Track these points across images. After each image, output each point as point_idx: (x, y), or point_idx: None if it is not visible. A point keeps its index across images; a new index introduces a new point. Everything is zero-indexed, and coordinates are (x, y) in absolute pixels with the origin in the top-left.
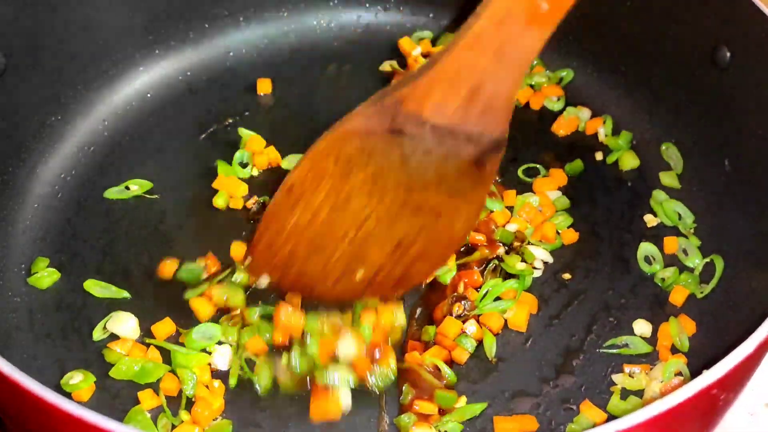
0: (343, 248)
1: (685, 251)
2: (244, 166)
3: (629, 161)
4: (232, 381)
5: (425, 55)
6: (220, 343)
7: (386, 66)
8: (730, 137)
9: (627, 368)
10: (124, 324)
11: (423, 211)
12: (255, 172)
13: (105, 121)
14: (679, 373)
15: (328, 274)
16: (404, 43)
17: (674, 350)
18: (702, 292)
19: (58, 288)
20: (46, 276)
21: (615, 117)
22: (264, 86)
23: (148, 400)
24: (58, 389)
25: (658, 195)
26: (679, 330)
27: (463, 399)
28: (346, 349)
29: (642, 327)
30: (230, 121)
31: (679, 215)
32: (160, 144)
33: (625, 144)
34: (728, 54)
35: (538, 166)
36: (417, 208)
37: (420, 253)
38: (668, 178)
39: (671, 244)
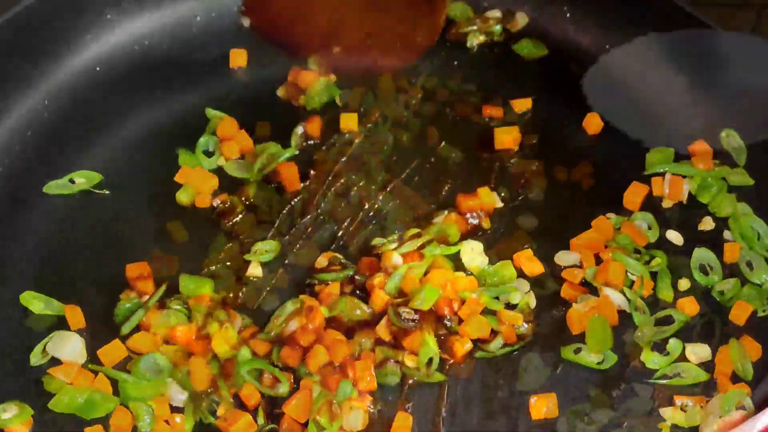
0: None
1: (749, 264)
2: (209, 155)
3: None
4: (188, 425)
5: (399, 90)
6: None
7: None
8: None
9: (678, 400)
10: (68, 346)
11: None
12: (222, 162)
13: (45, 100)
14: (742, 406)
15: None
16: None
17: (735, 378)
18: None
19: None
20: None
21: None
22: (238, 58)
23: None
24: None
25: (727, 204)
26: (742, 354)
27: None
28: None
29: (697, 351)
30: (196, 100)
31: (758, 234)
32: (112, 128)
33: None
34: None
35: None
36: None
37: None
38: (737, 176)
39: (732, 251)
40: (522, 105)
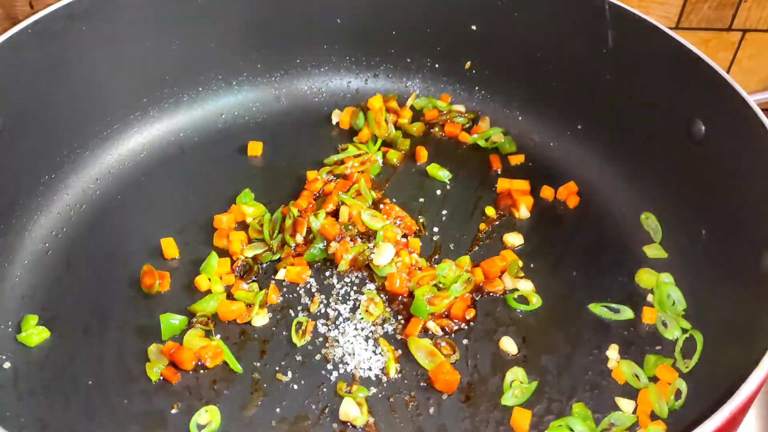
0: None
1: (664, 323)
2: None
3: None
4: None
5: (389, 110)
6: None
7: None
8: (705, 207)
9: None
10: None
11: None
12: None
13: (98, 179)
14: None
15: None
16: (373, 101)
17: (653, 416)
18: (687, 367)
19: (47, 345)
20: (35, 334)
21: (597, 186)
22: (254, 148)
23: None
24: None
25: (648, 276)
26: (658, 396)
27: None
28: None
29: (624, 404)
30: (218, 179)
31: (673, 301)
32: (151, 204)
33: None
34: (703, 128)
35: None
36: None
37: None
38: (653, 250)
39: (650, 314)
40: (517, 160)
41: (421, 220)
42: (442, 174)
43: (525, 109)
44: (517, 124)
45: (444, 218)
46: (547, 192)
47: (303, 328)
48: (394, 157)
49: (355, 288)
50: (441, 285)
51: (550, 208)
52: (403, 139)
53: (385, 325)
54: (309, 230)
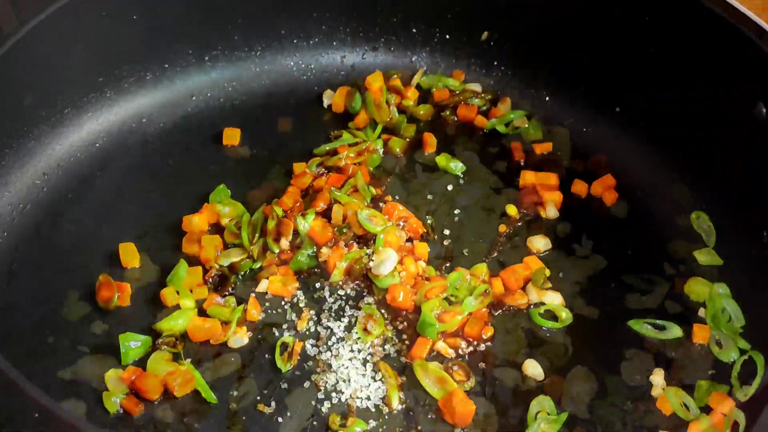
0: None
1: (719, 343)
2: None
3: None
4: None
5: (390, 90)
6: None
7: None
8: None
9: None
10: None
11: None
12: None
13: (45, 174)
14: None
15: None
16: (371, 79)
17: None
18: (746, 395)
19: None
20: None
21: (639, 180)
22: (231, 136)
23: None
24: None
25: (700, 287)
26: (712, 431)
27: None
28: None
29: None
30: (191, 173)
31: (729, 317)
32: (108, 203)
33: None
34: (765, 111)
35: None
36: None
37: None
38: (705, 256)
39: (702, 332)
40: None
41: (429, 221)
42: (454, 166)
43: (553, 88)
44: (543, 106)
45: (456, 219)
46: (579, 187)
47: (289, 350)
48: (398, 146)
49: (350, 302)
50: (453, 298)
51: (583, 206)
52: (408, 124)
53: (387, 347)
54: (296, 233)
